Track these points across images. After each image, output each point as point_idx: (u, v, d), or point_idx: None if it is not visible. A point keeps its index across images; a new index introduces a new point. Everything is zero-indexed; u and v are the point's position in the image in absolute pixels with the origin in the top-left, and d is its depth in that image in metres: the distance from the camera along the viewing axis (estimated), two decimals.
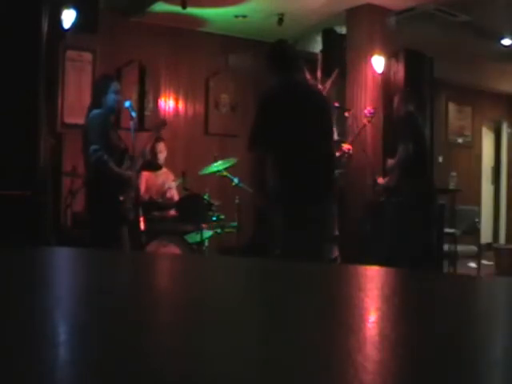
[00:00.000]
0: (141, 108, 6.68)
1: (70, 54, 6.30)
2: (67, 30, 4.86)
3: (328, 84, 3.97)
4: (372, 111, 5.50)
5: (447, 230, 6.32)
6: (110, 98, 3.94)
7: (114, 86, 4.01)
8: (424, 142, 5.13)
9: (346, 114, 6.07)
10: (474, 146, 10.37)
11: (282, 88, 3.46)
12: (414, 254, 4.65)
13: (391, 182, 5.05)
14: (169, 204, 5.48)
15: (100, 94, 3.96)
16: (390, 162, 5.09)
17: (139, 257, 1.96)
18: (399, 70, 6.42)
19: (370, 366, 0.55)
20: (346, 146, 4.96)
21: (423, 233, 4.96)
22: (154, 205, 5.30)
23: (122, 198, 3.93)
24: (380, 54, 6.24)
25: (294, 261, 2.22)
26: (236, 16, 6.68)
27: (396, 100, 5.18)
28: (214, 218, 5.43)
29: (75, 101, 6.20)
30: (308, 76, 3.54)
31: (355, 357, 0.58)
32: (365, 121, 5.56)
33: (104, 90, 3.95)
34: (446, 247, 6.27)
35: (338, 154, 4.51)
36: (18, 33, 3.55)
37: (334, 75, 5.21)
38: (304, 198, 3.27)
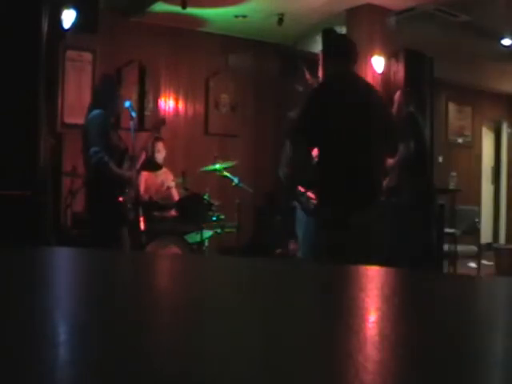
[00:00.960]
0: (141, 108, 6.68)
1: (70, 53, 6.30)
2: (67, 30, 4.86)
3: None
4: None
5: (447, 230, 6.31)
6: (116, 101, 3.99)
7: (118, 89, 4.08)
8: (424, 142, 5.14)
9: None
10: (474, 146, 10.37)
11: (336, 82, 3.09)
12: (414, 253, 4.65)
13: (391, 183, 5.05)
14: (169, 204, 5.47)
15: (104, 95, 3.98)
16: (390, 161, 5.08)
17: (139, 257, 1.96)
18: (399, 70, 6.42)
19: (370, 365, 0.55)
20: None
21: (423, 233, 4.96)
22: (154, 205, 5.29)
23: (121, 199, 3.93)
24: (380, 54, 6.24)
25: (293, 261, 2.22)
26: (236, 16, 6.68)
27: (396, 100, 5.18)
28: (214, 218, 5.43)
29: (75, 101, 6.21)
30: (308, 76, 3.46)
31: (356, 357, 0.58)
32: None
33: (110, 92, 3.98)
34: (446, 247, 6.27)
35: None
36: (18, 33, 3.55)
37: None
38: (345, 203, 2.91)
